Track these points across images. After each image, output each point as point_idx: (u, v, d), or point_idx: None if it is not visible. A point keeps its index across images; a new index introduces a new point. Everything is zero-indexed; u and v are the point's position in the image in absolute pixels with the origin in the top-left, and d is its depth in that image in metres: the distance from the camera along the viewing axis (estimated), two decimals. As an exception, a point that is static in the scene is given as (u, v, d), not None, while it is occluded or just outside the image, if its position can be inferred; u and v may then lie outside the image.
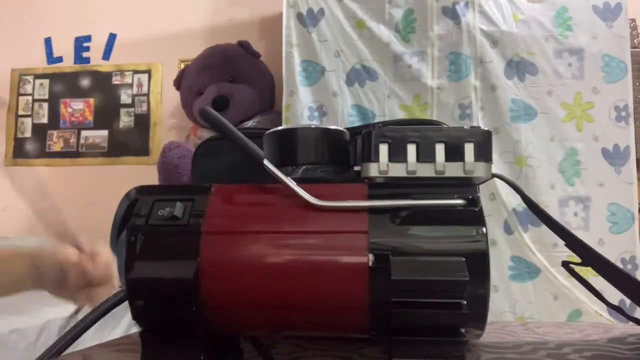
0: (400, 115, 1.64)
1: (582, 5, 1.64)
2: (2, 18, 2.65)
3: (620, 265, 1.50)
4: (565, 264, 0.50)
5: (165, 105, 2.53)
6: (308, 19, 1.73)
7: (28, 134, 2.60)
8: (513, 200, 1.56)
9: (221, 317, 0.37)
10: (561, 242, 0.47)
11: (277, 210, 0.39)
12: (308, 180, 0.40)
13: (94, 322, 0.43)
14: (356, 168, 0.43)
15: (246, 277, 0.36)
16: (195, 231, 0.36)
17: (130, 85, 2.57)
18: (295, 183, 0.38)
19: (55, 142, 2.59)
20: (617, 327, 0.57)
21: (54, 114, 2.60)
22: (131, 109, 2.56)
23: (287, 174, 0.39)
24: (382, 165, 0.39)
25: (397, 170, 0.39)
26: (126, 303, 0.37)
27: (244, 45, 2.22)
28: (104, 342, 0.49)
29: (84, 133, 2.58)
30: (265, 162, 0.39)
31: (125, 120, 2.56)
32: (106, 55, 2.60)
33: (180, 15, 2.50)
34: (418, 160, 0.38)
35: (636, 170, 1.60)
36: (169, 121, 2.53)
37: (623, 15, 1.63)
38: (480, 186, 0.40)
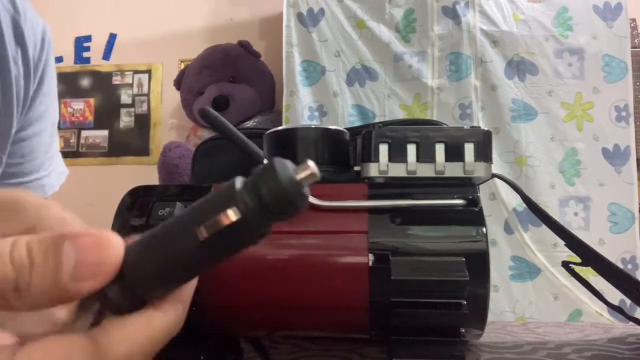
0: (401, 115, 1.64)
1: (583, 5, 1.64)
2: (2, 18, 2.65)
3: (620, 265, 1.50)
4: (565, 264, 0.50)
5: (166, 105, 2.53)
6: (308, 19, 1.73)
7: (28, 134, 2.60)
8: (513, 200, 1.56)
9: (221, 317, 0.37)
10: (561, 242, 0.47)
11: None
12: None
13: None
14: (356, 168, 0.43)
15: (246, 277, 0.36)
16: (195, 231, 0.36)
17: (131, 85, 2.57)
18: (295, 183, 0.38)
19: (56, 142, 2.59)
20: (617, 327, 0.57)
21: (54, 114, 2.60)
22: (131, 109, 2.56)
23: (287, 174, 0.39)
24: (382, 165, 0.39)
25: (397, 170, 0.39)
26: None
27: (244, 45, 2.22)
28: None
29: (84, 133, 2.58)
30: (265, 162, 0.39)
31: (126, 120, 2.56)
32: (106, 55, 2.60)
33: (180, 15, 2.50)
34: (418, 160, 0.38)
35: (636, 170, 1.60)
36: (169, 121, 2.52)
37: (623, 15, 1.63)
38: (481, 186, 0.40)
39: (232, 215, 0.17)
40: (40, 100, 0.62)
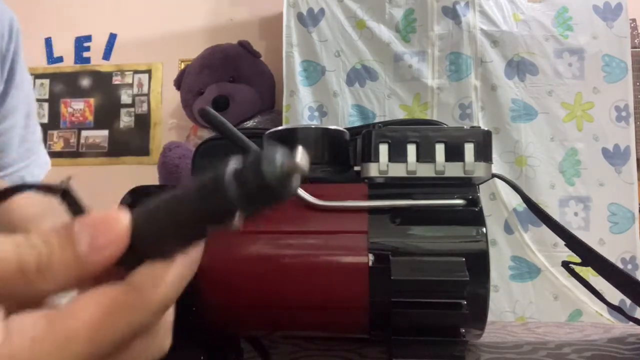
0: (401, 115, 1.64)
1: (583, 5, 1.64)
2: (2, 18, 2.65)
3: (620, 265, 1.50)
4: (565, 264, 0.50)
5: (166, 105, 2.53)
6: (308, 19, 1.73)
7: (28, 134, 2.60)
8: (513, 200, 1.56)
9: (221, 317, 0.37)
10: (561, 242, 0.47)
11: (277, 210, 0.38)
12: (308, 180, 0.40)
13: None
14: (356, 168, 0.43)
15: (246, 277, 0.36)
16: (195, 231, 0.36)
17: (131, 85, 2.57)
18: (295, 183, 0.38)
19: (56, 142, 2.59)
20: (617, 327, 0.57)
21: (55, 114, 2.60)
22: (131, 109, 2.56)
23: (287, 174, 0.39)
24: (382, 165, 0.39)
25: (397, 170, 0.39)
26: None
27: (244, 45, 2.22)
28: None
29: (84, 133, 2.58)
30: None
31: (126, 120, 2.56)
32: (106, 55, 2.60)
33: (180, 15, 2.50)
34: (418, 160, 0.38)
35: (636, 170, 1.60)
36: (169, 121, 2.52)
37: (623, 15, 1.63)
38: (481, 186, 0.40)
39: (237, 220, 0.19)
40: (12, 94, 0.61)
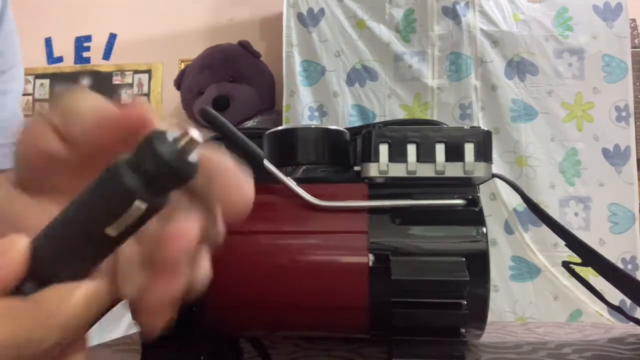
0: (401, 115, 1.64)
1: (583, 5, 1.64)
2: (2, 18, 2.65)
3: (620, 265, 1.50)
4: (566, 264, 0.50)
5: (166, 105, 2.53)
6: (308, 19, 1.73)
7: (28, 134, 2.60)
8: (513, 200, 1.56)
9: (221, 317, 0.37)
10: (562, 242, 0.47)
11: (277, 210, 0.39)
12: (308, 180, 0.40)
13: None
14: (356, 168, 0.43)
15: (246, 277, 0.36)
16: (195, 231, 0.36)
17: (131, 85, 2.56)
18: (295, 183, 0.38)
19: (56, 142, 2.59)
20: (617, 327, 0.57)
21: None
22: (131, 109, 2.56)
23: (287, 174, 0.39)
24: (382, 165, 0.39)
25: (397, 170, 0.39)
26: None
27: (244, 45, 2.22)
28: (104, 342, 0.49)
29: (84, 133, 2.58)
30: (266, 162, 0.39)
31: (126, 120, 2.56)
32: (106, 55, 2.60)
33: (180, 15, 2.50)
34: (418, 160, 0.38)
35: (636, 170, 1.60)
36: (169, 121, 2.52)
37: (623, 15, 1.63)
38: (481, 186, 0.40)
39: (140, 208, 0.17)
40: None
